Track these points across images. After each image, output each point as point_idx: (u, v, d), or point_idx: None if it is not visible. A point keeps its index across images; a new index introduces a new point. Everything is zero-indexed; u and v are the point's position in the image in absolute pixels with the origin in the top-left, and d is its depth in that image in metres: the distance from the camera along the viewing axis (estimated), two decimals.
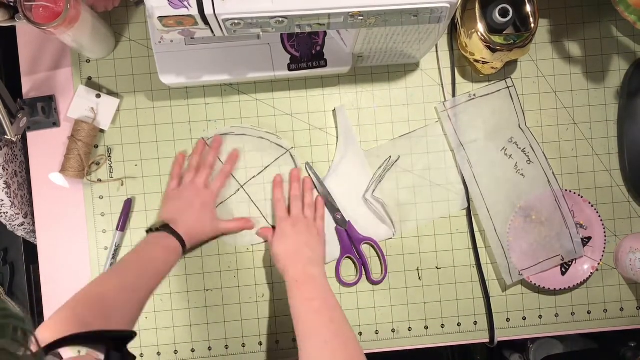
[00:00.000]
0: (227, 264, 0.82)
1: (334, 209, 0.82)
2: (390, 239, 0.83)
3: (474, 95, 0.83)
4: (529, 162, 0.83)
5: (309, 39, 0.77)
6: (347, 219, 0.82)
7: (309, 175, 0.82)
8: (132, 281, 0.67)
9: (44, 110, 0.80)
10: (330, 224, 0.83)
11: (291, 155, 0.82)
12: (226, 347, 0.83)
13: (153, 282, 0.69)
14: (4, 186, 0.78)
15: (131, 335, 0.43)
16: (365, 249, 0.83)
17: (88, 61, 0.81)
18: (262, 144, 0.82)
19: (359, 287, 0.83)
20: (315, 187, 0.82)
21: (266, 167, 0.82)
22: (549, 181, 0.82)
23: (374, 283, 0.83)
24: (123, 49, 0.81)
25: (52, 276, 0.82)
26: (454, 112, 0.83)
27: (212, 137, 0.82)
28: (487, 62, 0.78)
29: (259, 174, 0.83)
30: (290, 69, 0.77)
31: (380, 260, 0.83)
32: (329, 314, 0.68)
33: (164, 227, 0.74)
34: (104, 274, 0.72)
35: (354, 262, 0.83)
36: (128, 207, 0.81)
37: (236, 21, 0.58)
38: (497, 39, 0.74)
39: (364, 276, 0.83)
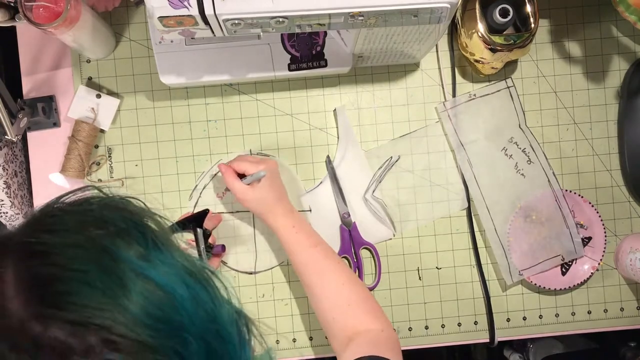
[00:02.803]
0: None
1: (343, 208, 0.82)
2: (391, 239, 0.83)
3: (474, 95, 0.83)
4: (529, 162, 0.83)
5: (309, 39, 0.77)
6: (353, 221, 0.82)
7: (327, 169, 0.82)
8: None
9: (44, 111, 0.80)
10: (335, 222, 0.82)
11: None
12: None
13: None
14: (4, 186, 0.78)
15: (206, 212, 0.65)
16: (363, 253, 0.83)
17: (88, 61, 0.81)
18: None
19: None
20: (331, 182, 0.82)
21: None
22: (549, 181, 0.82)
23: None
24: (123, 49, 0.81)
25: None
26: (454, 112, 0.83)
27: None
28: (487, 62, 0.78)
29: None
30: (290, 69, 0.77)
31: (375, 267, 0.83)
32: (334, 256, 0.72)
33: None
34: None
35: (349, 264, 0.83)
36: None
37: (236, 21, 0.58)
38: (497, 39, 0.74)
39: None
